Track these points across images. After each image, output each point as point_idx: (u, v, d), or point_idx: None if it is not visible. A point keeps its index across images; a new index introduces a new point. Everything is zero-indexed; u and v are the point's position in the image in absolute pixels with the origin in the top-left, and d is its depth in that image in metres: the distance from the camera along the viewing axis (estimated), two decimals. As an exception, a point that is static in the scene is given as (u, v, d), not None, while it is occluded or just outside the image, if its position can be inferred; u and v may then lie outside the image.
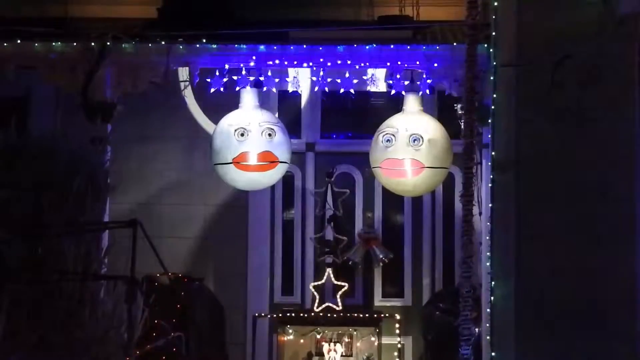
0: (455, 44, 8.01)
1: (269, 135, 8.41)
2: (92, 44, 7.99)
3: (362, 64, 8.22)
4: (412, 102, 8.52)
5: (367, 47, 8.09)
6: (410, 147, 8.31)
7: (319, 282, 8.99)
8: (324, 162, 9.58)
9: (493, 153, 7.41)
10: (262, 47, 8.14)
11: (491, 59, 7.44)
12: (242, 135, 8.40)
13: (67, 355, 6.67)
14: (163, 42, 8.08)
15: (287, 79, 8.51)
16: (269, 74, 8.36)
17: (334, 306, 8.89)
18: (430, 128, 8.38)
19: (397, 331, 8.90)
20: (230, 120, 8.48)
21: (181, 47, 8.10)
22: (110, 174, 7.86)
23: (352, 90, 8.37)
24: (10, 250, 6.64)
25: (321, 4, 9.43)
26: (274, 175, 8.55)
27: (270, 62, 8.24)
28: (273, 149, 8.42)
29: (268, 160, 8.41)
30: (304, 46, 8.13)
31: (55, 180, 7.03)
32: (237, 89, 8.48)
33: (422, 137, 8.31)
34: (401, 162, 8.34)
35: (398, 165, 8.36)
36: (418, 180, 8.37)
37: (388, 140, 8.39)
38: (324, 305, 8.90)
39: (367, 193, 9.70)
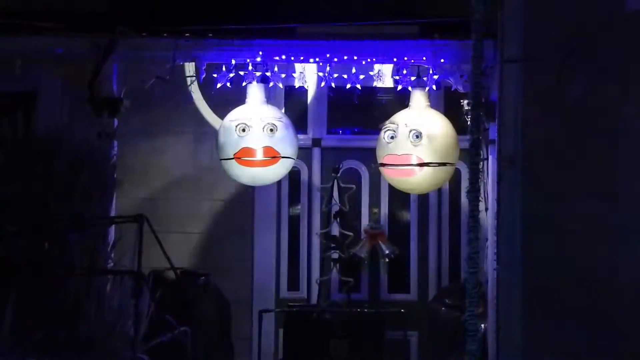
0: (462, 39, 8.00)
1: (271, 130, 8.40)
2: (99, 38, 8.00)
3: (369, 60, 8.23)
4: (418, 98, 8.51)
5: (374, 43, 8.08)
6: (409, 143, 8.31)
7: (325, 278, 9.00)
8: (331, 158, 9.58)
9: (500, 149, 7.40)
10: (268, 42, 8.14)
11: (498, 54, 7.43)
12: (244, 130, 8.40)
13: (73, 350, 6.68)
14: (170, 37, 8.09)
15: (293, 74, 8.52)
16: (276, 69, 8.36)
17: (340, 301, 8.89)
18: (432, 124, 8.36)
19: (403, 326, 8.90)
20: (233, 116, 8.48)
21: (187, 42, 8.10)
22: (117, 168, 7.87)
23: (358, 86, 8.38)
24: (16, 245, 6.65)
25: (328, -1, 9.43)
26: (278, 171, 8.54)
27: (277, 58, 8.24)
28: (274, 144, 8.41)
29: (269, 155, 8.41)
30: (311, 41, 8.13)
31: (62, 175, 7.04)
32: (244, 84, 8.49)
33: (421, 133, 8.29)
34: (400, 158, 8.34)
35: (397, 161, 8.38)
36: (418, 176, 8.35)
37: (391, 137, 8.41)
38: (329, 301, 8.90)
39: (373, 189, 9.69)
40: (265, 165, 8.44)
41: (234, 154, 8.41)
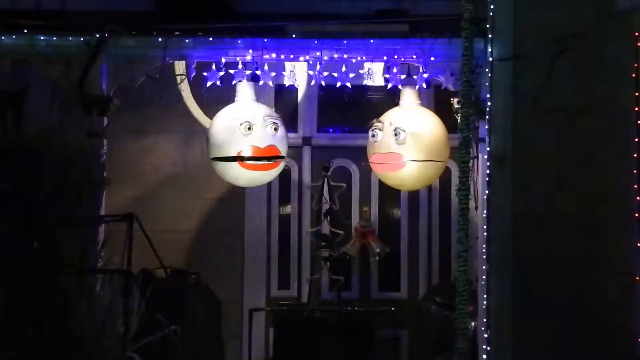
0: (451, 37, 8.00)
1: (275, 129, 8.41)
2: (89, 37, 7.98)
3: (359, 58, 8.22)
4: (408, 96, 8.52)
5: (364, 41, 8.08)
6: (392, 141, 8.33)
7: (316, 276, 9.00)
8: (321, 156, 9.58)
9: (489, 147, 7.41)
10: (258, 40, 8.13)
11: (487, 53, 7.44)
12: (249, 129, 8.37)
13: (63, 349, 6.68)
14: (160, 37, 8.08)
15: (283, 72, 8.51)
16: (266, 67, 8.35)
17: (330, 300, 8.89)
18: (418, 122, 8.38)
19: (393, 324, 8.91)
20: (233, 114, 8.44)
21: (177, 40, 8.09)
22: (107, 167, 7.86)
23: (348, 84, 8.37)
24: (6, 244, 6.64)
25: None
26: (273, 171, 8.55)
27: (267, 56, 8.22)
28: (277, 143, 8.43)
29: (273, 154, 8.41)
30: (301, 40, 8.12)
31: (52, 174, 7.03)
32: (234, 82, 8.47)
33: (404, 131, 8.31)
34: (385, 157, 8.38)
35: (383, 159, 8.41)
36: (403, 174, 8.38)
37: (377, 136, 8.44)
38: (320, 299, 8.90)
39: (363, 187, 9.70)
40: (269, 169, 8.44)
41: (238, 152, 8.36)
